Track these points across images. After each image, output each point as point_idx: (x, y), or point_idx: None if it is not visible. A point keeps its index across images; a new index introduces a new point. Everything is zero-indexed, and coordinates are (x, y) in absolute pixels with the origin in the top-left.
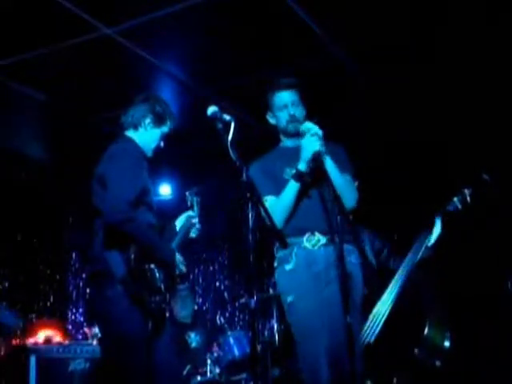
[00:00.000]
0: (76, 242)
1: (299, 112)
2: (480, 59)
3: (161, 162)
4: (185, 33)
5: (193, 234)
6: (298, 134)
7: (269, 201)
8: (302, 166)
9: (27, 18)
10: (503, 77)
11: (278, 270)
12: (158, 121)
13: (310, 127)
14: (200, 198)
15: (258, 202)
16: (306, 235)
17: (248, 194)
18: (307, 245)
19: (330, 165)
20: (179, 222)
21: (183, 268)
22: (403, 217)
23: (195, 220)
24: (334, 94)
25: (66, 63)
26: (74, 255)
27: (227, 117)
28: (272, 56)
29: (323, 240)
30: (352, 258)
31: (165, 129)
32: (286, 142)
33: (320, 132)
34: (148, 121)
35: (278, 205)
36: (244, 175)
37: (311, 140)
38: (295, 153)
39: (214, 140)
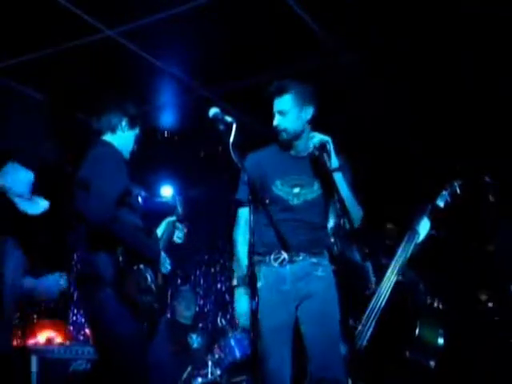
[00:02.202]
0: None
1: (286, 122)
2: (480, 55)
3: (163, 163)
4: (187, 34)
5: (178, 240)
6: (287, 145)
7: (241, 215)
8: None
9: (30, 19)
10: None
11: None
12: (133, 123)
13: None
14: (183, 197)
15: (260, 203)
16: (273, 253)
17: (249, 197)
18: (274, 263)
19: (339, 179)
20: (160, 229)
21: (168, 267)
22: (392, 214)
23: (177, 224)
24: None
25: (68, 64)
26: (75, 256)
27: (229, 118)
28: (274, 57)
29: (288, 257)
30: (318, 272)
31: (137, 130)
32: (282, 146)
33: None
34: (124, 123)
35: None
36: (245, 177)
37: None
38: (286, 162)
39: (215, 141)
